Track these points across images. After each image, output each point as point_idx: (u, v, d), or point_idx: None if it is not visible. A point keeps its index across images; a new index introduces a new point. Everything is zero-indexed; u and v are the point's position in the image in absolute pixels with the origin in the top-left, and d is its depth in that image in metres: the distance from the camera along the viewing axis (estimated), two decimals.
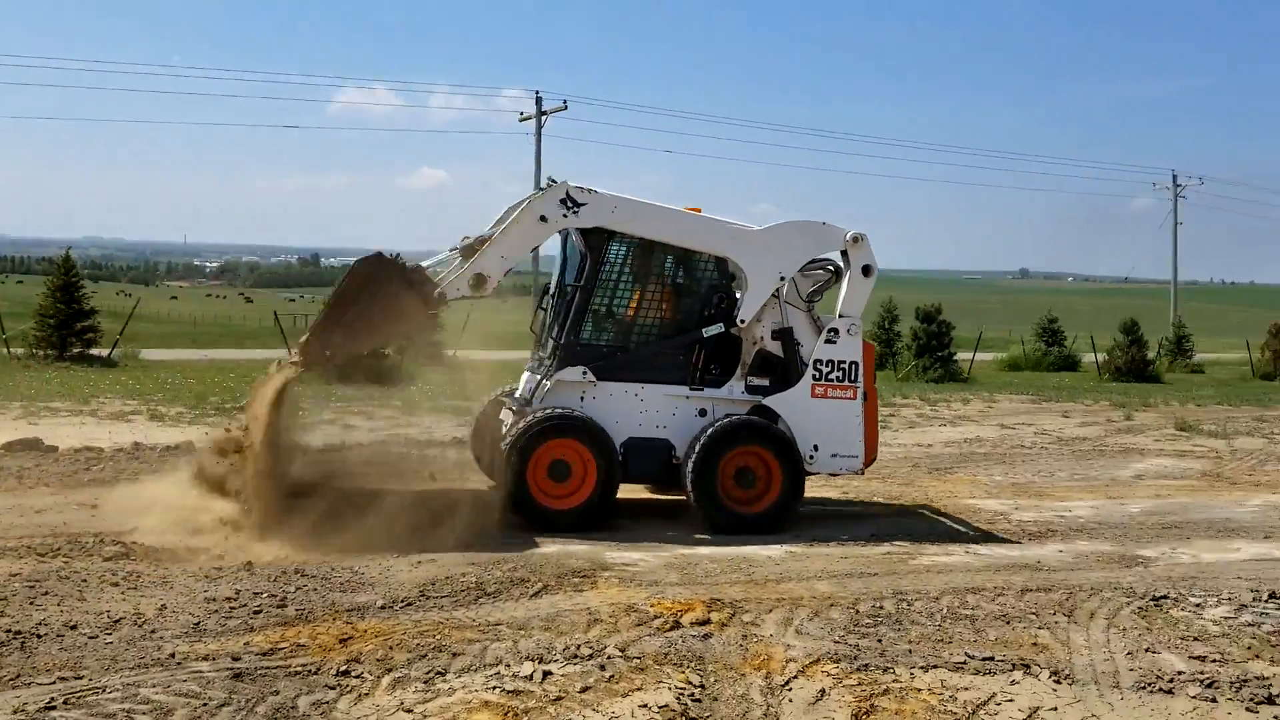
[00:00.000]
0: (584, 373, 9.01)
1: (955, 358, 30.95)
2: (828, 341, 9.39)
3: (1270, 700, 5.30)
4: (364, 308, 8.43)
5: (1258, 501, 11.19)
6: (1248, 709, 5.20)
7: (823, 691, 5.28)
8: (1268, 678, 5.60)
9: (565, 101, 39.10)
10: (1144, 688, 5.45)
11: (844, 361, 9.40)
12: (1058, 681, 5.47)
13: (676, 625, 6.20)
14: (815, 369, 9.32)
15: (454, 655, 5.61)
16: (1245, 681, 5.53)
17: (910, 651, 5.89)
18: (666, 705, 5.00)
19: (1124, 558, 8.40)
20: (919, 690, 5.31)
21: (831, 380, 9.36)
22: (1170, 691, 5.40)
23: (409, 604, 6.53)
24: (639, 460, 9.06)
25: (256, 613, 6.26)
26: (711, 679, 5.42)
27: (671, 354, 9.39)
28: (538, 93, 38.95)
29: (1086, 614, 6.72)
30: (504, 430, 9.15)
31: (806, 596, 6.93)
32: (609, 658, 5.63)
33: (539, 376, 9.21)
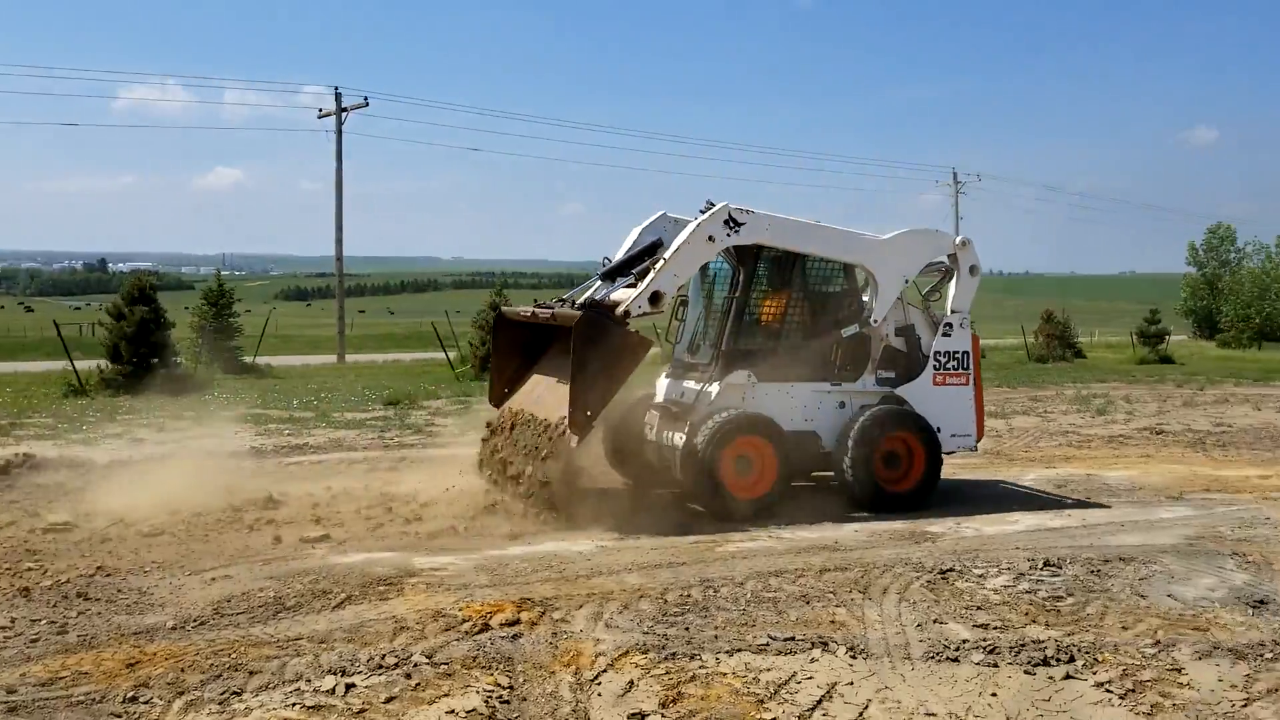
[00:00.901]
0: (748, 376, 9.70)
1: None
2: (943, 335, 10.50)
3: (1046, 662, 5.68)
4: (600, 363, 8.98)
5: (1032, 476, 12.00)
6: (1026, 671, 5.55)
7: (631, 683, 5.33)
8: (1043, 641, 6.00)
9: (366, 98, 38.04)
10: (933, 657, 5.75)
11: (957, 352, 10.53)
12: (854, 656, 5.71)
13: (486, 628, 6.13)
14: (935, 360, 10.42)
15: (251, 674, 5.38)
16: (1024, 645, 5.90)
17: (716, 637, 6.02)
18: (474, 710, 4.95)
19: (914, 534, 8.85)
20: (724, 674, 5.44)
21: (948, 369, 10.48)
22: (956, 660, 5.72)
23: (202, 623, 6.23)
24: (796, 452, 9.72)
25: (34, 641, 5.85)
26: (521, 679, 5.39)
27: (815, 354, 10.16)
28: (337, 89, 37.78)
29: (880, 590, 7.04)
30: (652, 432, 10.22)
31: (617, 590, 6.98)
32: (415, 665, 5.52)
33: (702, 383, 9.87)
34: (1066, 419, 17.99)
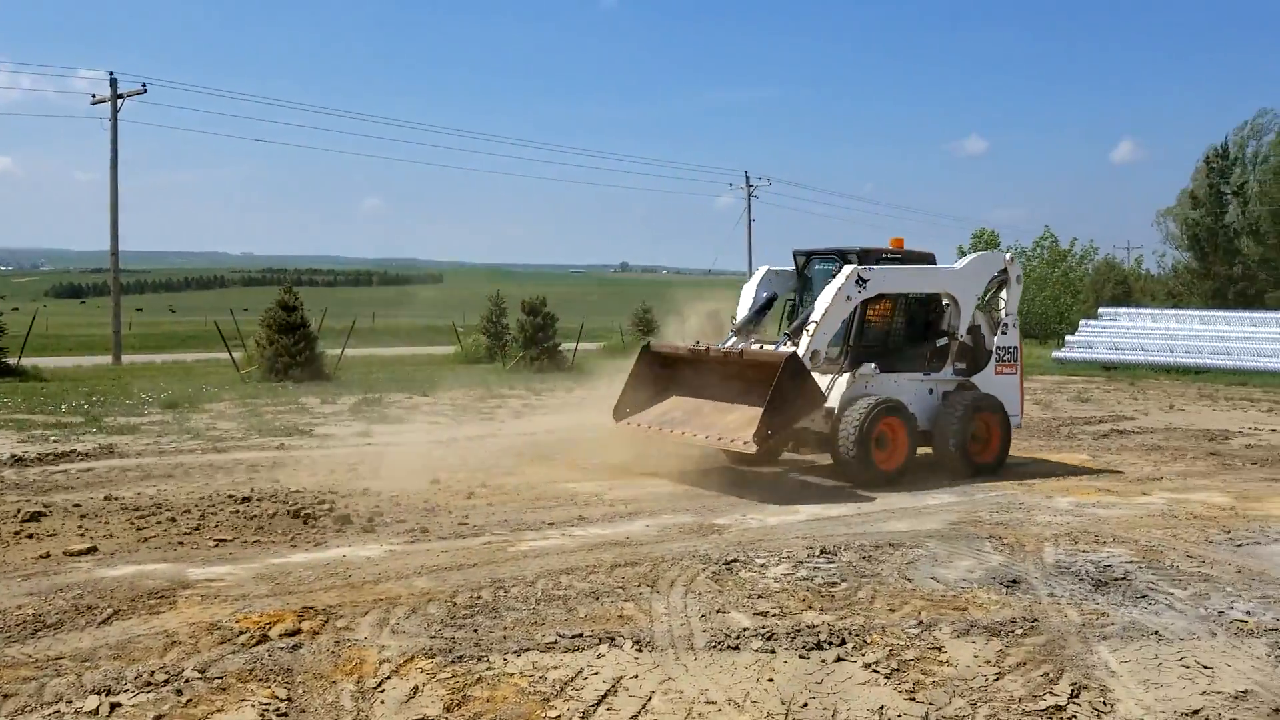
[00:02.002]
0: (874, 368, 11.88)
1: (560, 348, 31.99)
2: (1001, 333, 12.97)
3: (819, 646, 5.95)
4: (791, 396, 10.62)
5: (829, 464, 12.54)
6: (800, 656, 5.80)
7: (416, 688, 5.26)
8: (817, 626, 6.28)
9: (144, 84, 35.82)
10: (715, 646, 5.93)
11: (1011, 347, 13.10)
12: (640, 650, 5.82)
13: (264, 639, 5.92)
14: (996, 354, 12.88)
15: (5, 697, 5.02)
16: (799, 631, 6.17)
17: (505, 638, 6.01)
18: None
19: (702, 527, 9.10)
20: (511, 675, 5.44)
21: (1004, 361, 12.96)
22: (737, 648, 5.92)
23: None
24: None
25: None
26: (300, 690, 5.23)
27: (914, 352, 12.59)
28: (111, 74, 35.41)
29: (667, 583, 7.20)
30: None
31: (405, 594, 6.87)
32: (187, 681, 5.27)
33: (831, 374, 11.68)
34: None
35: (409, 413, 18.23)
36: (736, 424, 10.89)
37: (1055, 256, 61.14)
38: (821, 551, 8.12)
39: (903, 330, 12.76)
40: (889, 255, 12.74)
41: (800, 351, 11.08)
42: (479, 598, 6.81)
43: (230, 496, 9.93)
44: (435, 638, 6.00)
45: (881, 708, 5.13)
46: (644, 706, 5.10)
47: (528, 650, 5.79)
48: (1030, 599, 6.94)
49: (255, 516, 9.18)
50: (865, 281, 11.62)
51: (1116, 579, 7.47)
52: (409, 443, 14.36)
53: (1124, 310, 38.39)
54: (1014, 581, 7.36)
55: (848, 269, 11.57)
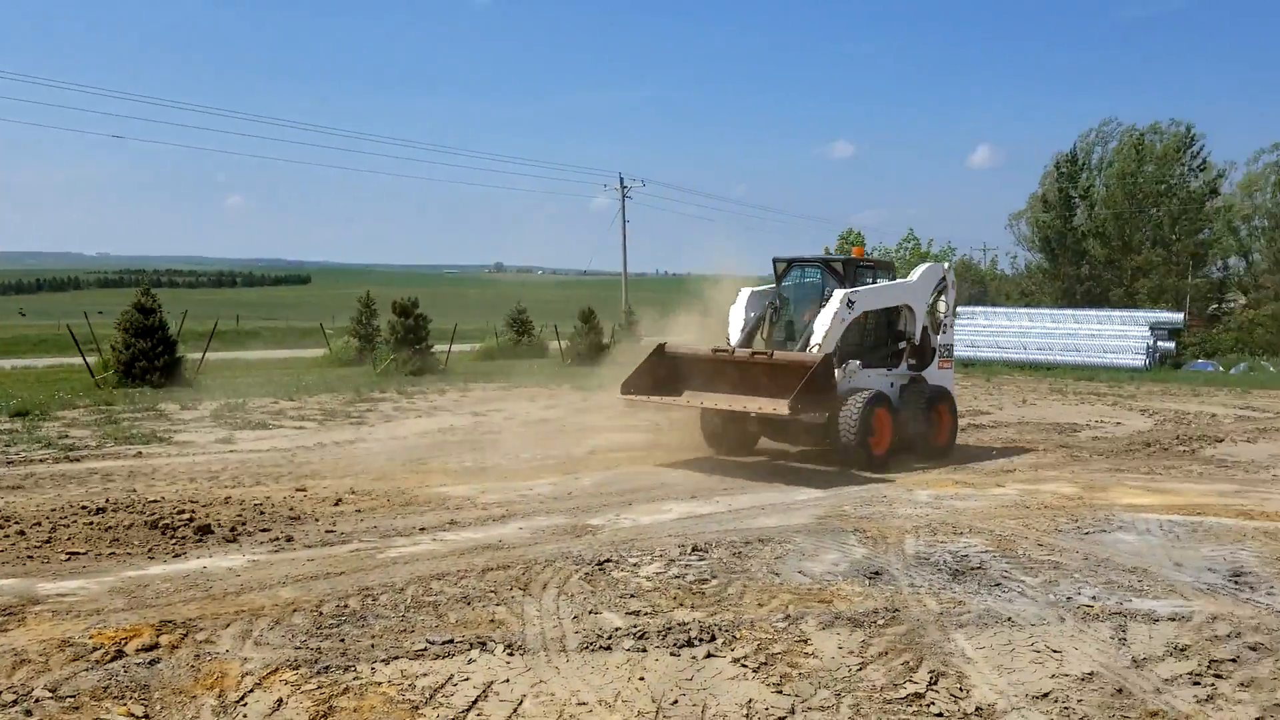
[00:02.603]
0: (859, 364, 13.36)
1: (433, 350, 31.56)
2: (941, 333, 14.77)
3: (690, 643, 6.03)
4: (818, 388, 12.12)
5: (687, 465, 12.69)
6: (671, 653, 5.87)
7: (280, 701, 5.14)
8: (688, 623, 6.37)
9: None
10: (587, 647, 5.95)
11: (949, 344, 14.99)
12: (511, 654, 5.80)
13: (120, 655, 5.69)
14: (939, 351, 14.63)
15: None
16: (670, 629, 6.24)
17: (373, 646, 5.92)
18: None
19: (575, 528, 9.11)
20: (379, 684, 5.36)
21: (945, 357, 14.77)
22: (609, 648, 5.95)
23: None
24: None
25: None
26: (158, 707, 5.05)
27: (881, 352, 14.27)
28: None
29: (540, 585, 7.19)
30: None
31: (268, 605, 6.69)
32: (37, 701, 5.05)
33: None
34: None
35: (274, 418, 17.72)
36: (768, 402, 12.27)
37: (916, 258, 63.25)
38: (693, 549, 8.23)
39: (873, 334, 14.38)
40: (863, 264, 14.58)
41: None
42: (346, 606, 6.68)
43: (84, 508, 9.49)
44: (300, 648, 5.87)
45: (750, 701, 5.24)
46: (515, 710, 5.09)
47: (396, 658, 5.72)
48: (892, 590, 7.17)
49: (110, 528, 8.80)
50: (853, 304, 13.34)
51: (973, 568, 7.77)
52: (274, 449, 13.98)
53: (980, 309, 39.92)
54: (877, 573, 7.59)
55: (839, 295, 13.23)
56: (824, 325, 13.06)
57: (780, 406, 11.87)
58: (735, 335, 14.16)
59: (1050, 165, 55.54)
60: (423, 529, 9.08)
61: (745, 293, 14.53)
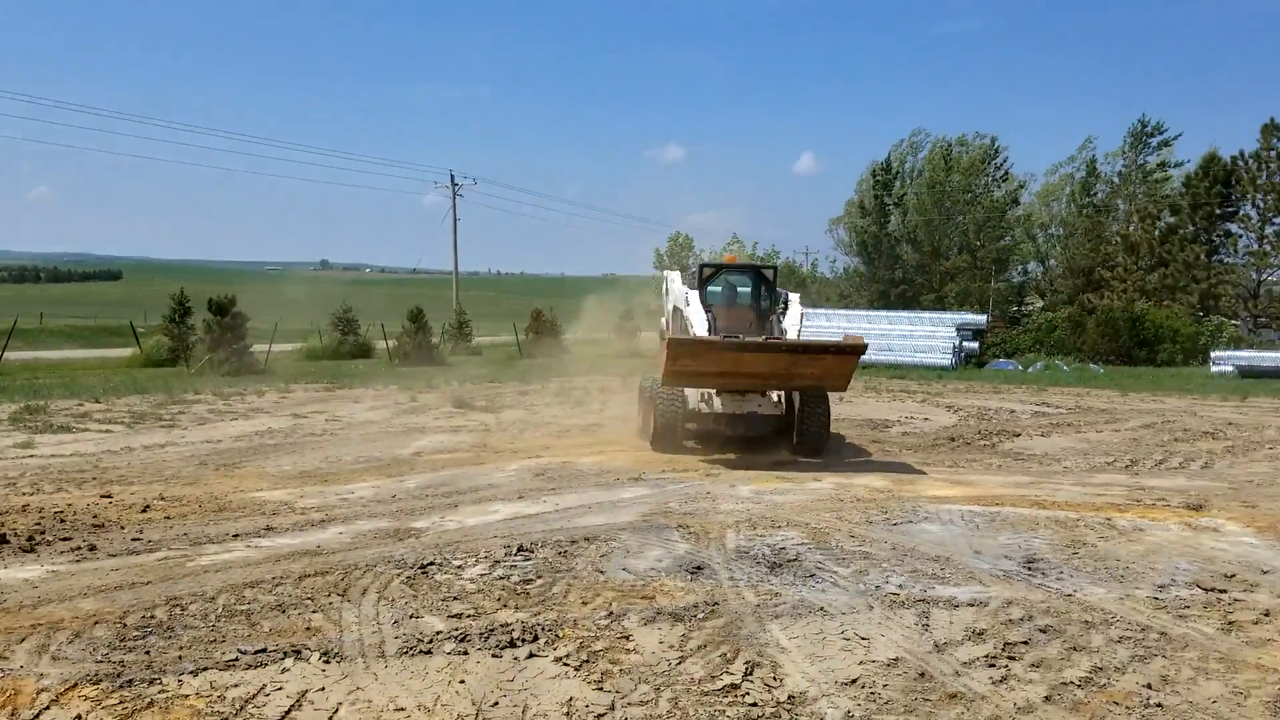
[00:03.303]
0: None
1: (252, 350, 30.45)
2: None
3: (512, 644, 6.02)
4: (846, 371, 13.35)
5: (515, 466, 12.65)
6: (493, 655, 5.85)
7: (79, 717, 4.88)
8: (511, 624, 6.35)
9: None
10: (406, 652, 5.86)
11: None
12: (327, 661, 5.66)
13: None
14: None
15: None
16: (493, 630, 6.21)
17: (180, 658, 5.68)
18: None
19: (398, 531, 8.96)
20: (186, 696, 5.15)
21: None
22: (430, 652, 5.88)
23: None
24: None
25: None
26: None
27: None
28: None
29: (359, 591, 7.04)
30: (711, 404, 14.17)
31: (68, 618, 6.33)
32: None
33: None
34: (549, 411, 19.17)
35: (79, 421, 16.75)
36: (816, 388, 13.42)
37: (744, 260, 64.74)
38: (519, 549, 8.21)
39: None
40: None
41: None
42: (152, 617, 6.39)
43: None
44: (102, 662, 5.58)
45: (570, 700, 5.27)
46: (330, 718, 4.98)
47: (205, 669, 5.50)
48: (712, 584, 7.34)
49: None
50: (803, 315, 14.76)
51: (789, 560, 8.03)
52: (78, 454, 13.21)
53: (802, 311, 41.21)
54: (698, 568, 7.76)
55: (796, 299, 14.82)
56: (795, 324, 14.31)
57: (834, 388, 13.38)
58: (702, 328, 14.20)
59: (867, 173, 57.88)
60: (236, 535, 8.75)
61: (694, 294, 14.70)
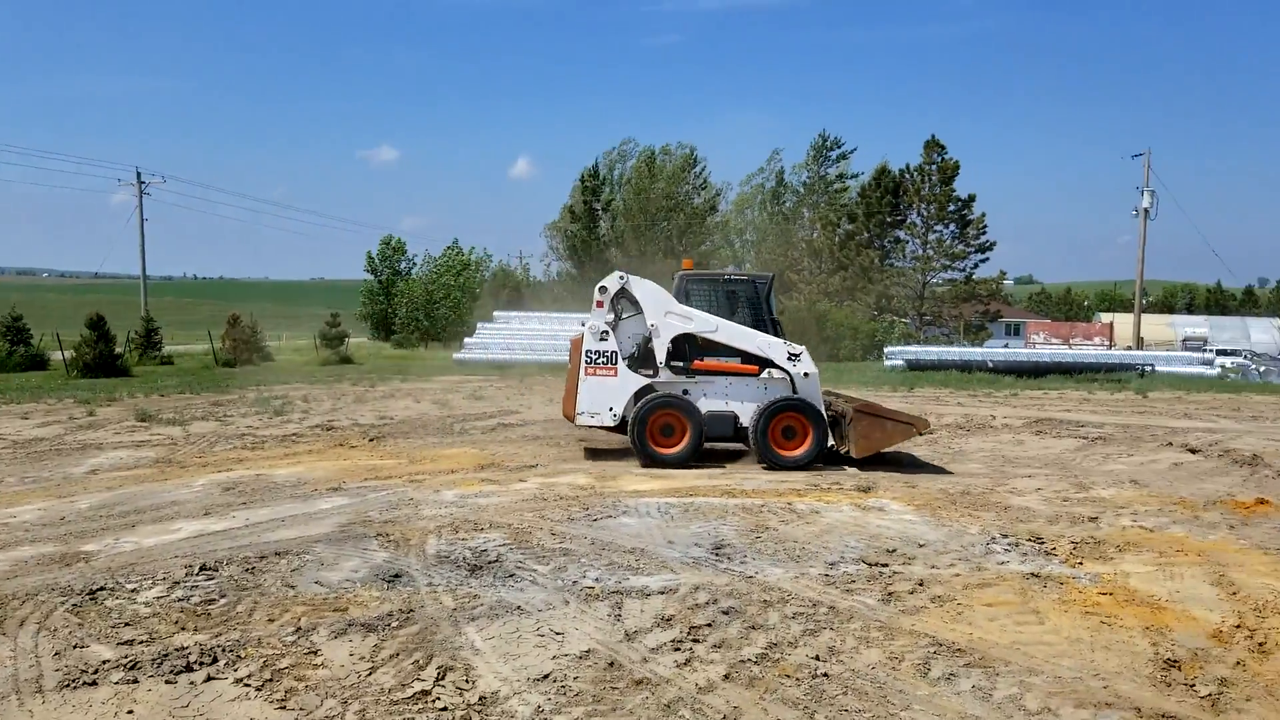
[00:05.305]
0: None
1: None
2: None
3: (189, 668, 5.68)
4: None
5: (203, 481, 11.91)
6: (167, 681, 5.50)
7: None
8: (188, 647, 5.99)
9: None
10: (68, 685, 5.41)
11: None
12: None
13: None
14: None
15: None
16: (168, 655, 5.84)
17: None
18: None
19: (66, 556, 8.23)
20: None
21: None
22: (95, 683, 5.45)
23: None
24: None
25: None
26: None
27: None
28: None
29: (17, 623, 6.43)
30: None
31: None
32: None
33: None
34: (245, 421, 18.21)
35: None
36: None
37: (459, 265, 64.37)
38: (202, 569, 7.75)
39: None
40: None
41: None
42: None
43: None
44: None
45: None
46: None
47: None
48: (410, 591, 7.23)
49: None
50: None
51: (490, 562, 8.05)
52: None
53: (516, 314, 41.51)
54: (397, 576, 7.62)
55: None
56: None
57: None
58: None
59: (578, 179, 58.95)
60: None
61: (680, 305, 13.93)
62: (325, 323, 44.17)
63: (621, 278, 14.00)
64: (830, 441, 13.68)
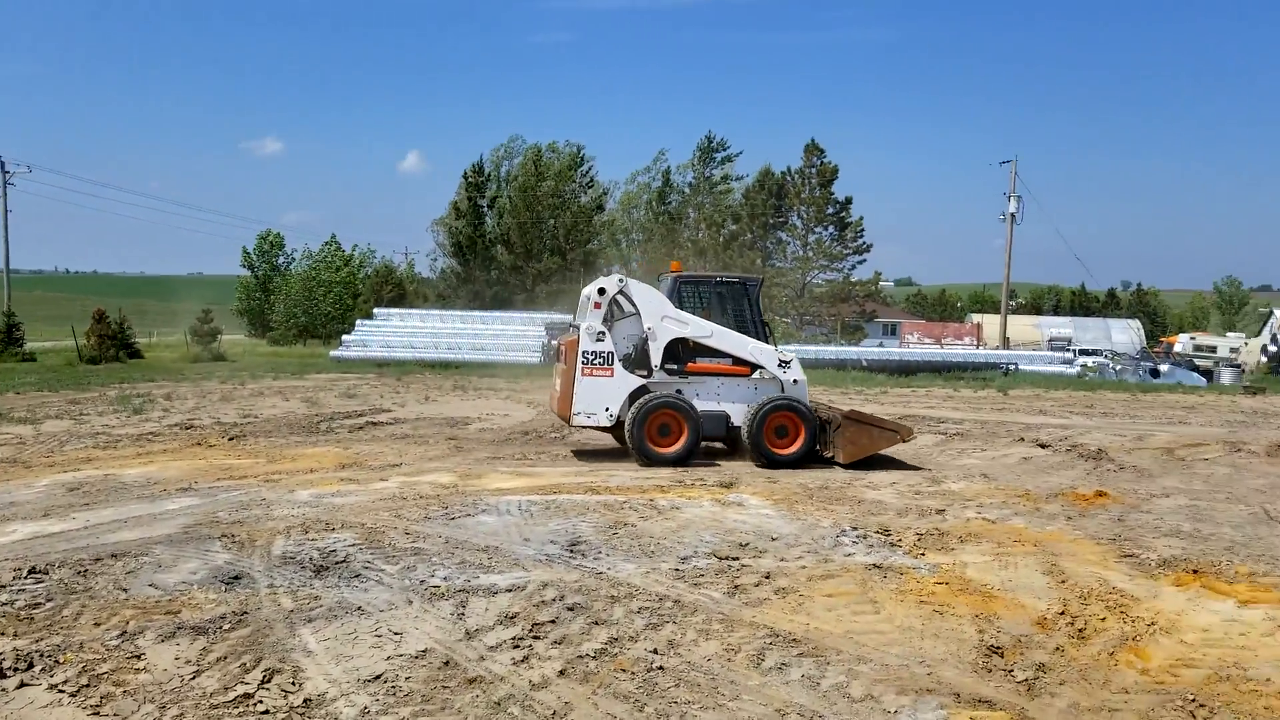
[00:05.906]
0: None
1: None
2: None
3: (1, 674, 5.45)
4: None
5: (46, 481, 11.42)
6: None
7: None
8: (3, 653, 5.74)
9: None
10: None
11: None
12: None
13: None
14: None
15: None
16: None
17: None
18: None
19: None
20: None
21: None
22: None
23: None
24: None
25: None
26: None
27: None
28: None
29: None
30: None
31: None
32: None
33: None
34: (102, 420, 17.54)
35: None
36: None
37: (339, 261, 63.18)
38: (30, 571, 7.44)
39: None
40: None
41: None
42: None
43: None
44: None
45: None
46: None
47: None
48: (248, 592, 7.06)
49: None
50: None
51: (338, 562, 7.91)
52: None
53: (397, 311, 40.91)
54: (236, 577, 7.43)
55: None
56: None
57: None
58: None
59: (463, 175, 58.30)
60: None
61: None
62: (197, 319, 42.81)
63: (620, 280, 14.16)
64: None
